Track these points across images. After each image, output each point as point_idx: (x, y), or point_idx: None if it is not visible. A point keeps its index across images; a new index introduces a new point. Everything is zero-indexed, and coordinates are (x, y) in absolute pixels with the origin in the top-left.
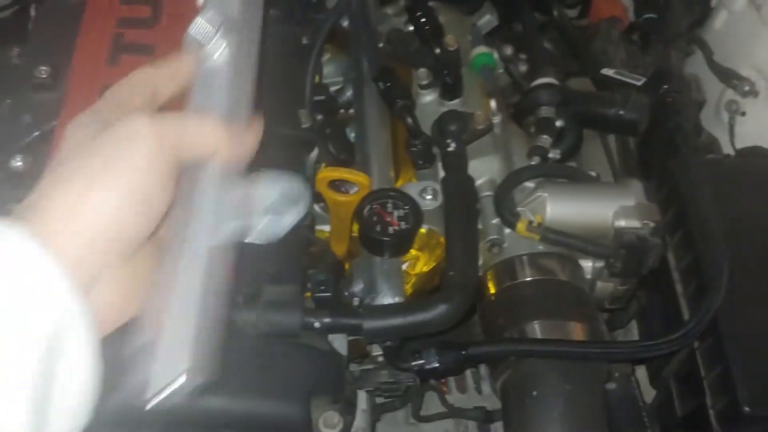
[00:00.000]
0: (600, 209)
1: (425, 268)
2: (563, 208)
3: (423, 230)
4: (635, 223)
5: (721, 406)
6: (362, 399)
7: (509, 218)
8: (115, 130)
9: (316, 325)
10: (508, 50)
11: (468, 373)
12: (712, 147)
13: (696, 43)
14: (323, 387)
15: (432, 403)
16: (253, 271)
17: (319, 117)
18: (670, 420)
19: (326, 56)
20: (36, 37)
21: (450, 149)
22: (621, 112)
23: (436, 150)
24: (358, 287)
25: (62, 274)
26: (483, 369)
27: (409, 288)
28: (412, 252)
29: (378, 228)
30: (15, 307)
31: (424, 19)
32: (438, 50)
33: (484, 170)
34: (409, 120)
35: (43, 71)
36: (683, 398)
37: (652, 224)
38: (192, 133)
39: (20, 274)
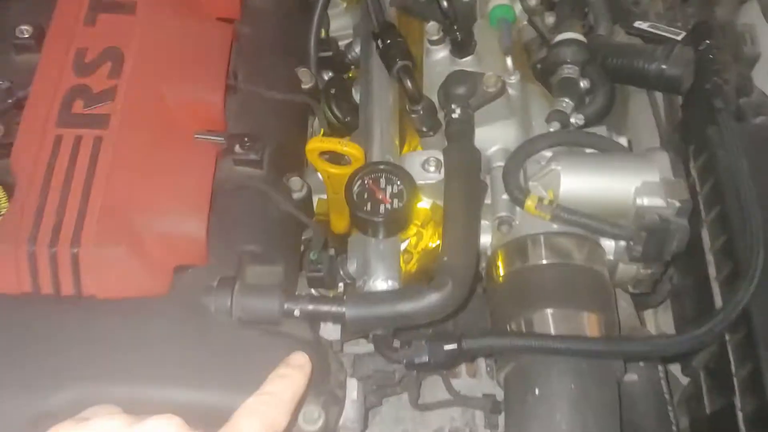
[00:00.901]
0: (620, 185)
1: (431, 243)
2: (578, 183)
3: (425, 207)
4: (659, 202)
5: (750, 409)
6: (354, 388)
7: (517, 195)
8: None
9: (296, 313)
10: (533, 1)
11: None
12: (762, 109)
13: None
14: None
15: (439, 388)
16: (233, 250)
17: (328, 75)
18: (698, 415)
19: (342, 6)
20: None
21: (454, 116)
22: (663, 67)
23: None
24: (352, 267)
25: None
26: None
27: (413, 265)
28: (414, 229)
29: (368, 207)
30: None
31: None
32: (446, 2)
33: (497, 137)
34: (408, 83)
35: (25, 31)
36: (712, 394)
37: (677, 203)
38: None
39: None
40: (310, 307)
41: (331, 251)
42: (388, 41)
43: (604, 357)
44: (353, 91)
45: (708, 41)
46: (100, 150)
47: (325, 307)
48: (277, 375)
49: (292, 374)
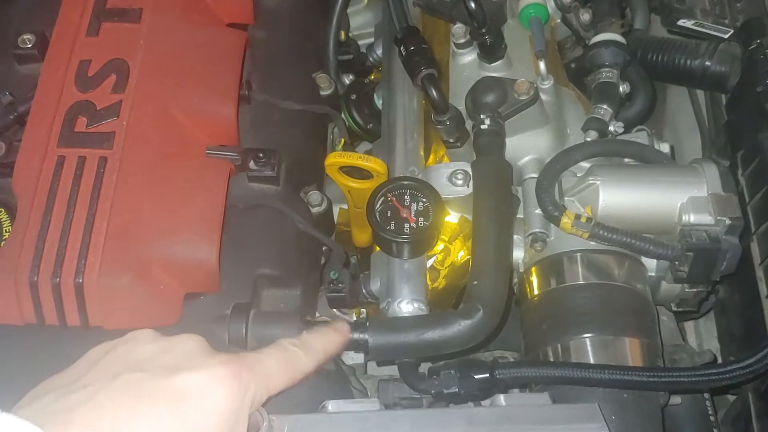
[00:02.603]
0: (664, 200)
1: (462, 259)
2: (619, 199)
3: (452, 222)
4: (707, 219)
5: None
6: None
7: (552, 212)
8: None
9: None
10: None
11: None
12: None
13: None
14: None
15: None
16: (247, 274)
17: (349, 78)
18: None
19: (363, 2)
20: None
21: (483, 126)
22: (707, 64)
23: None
24: (375, 286)
25: None
26: None
27: (441, 282)
28: (441, 243)
29: (391, 226)
30: None
31: None
32: (472, 3)
33: (529, 147)
34: (433, 93)
35: (27, 40)
36: (762, 418)
37: (727, 220)
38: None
39: None
40: None
41: (353, 267)
42: (412, 48)
43: (649, 389)
44: (375, 96)
45: (759, 40)
46: (104, 172)
47: None
48: (317, 330)
49: (330, 332)
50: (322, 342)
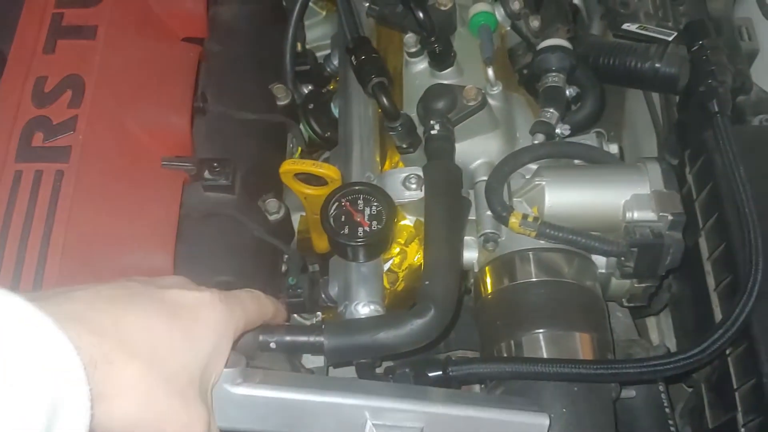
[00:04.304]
0: (608, 198)
1: (418, 261)
2: (564, 198)
3: (408, 225)
4: (650, 215)
5: (754, 425)
6: None
7: (500, 212)
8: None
9: (272, 345)
10: (516, 5)
11: None
12: (761, 107)
13: None
14: None
15: None
16: (203, 281)
17: (308, 88)
18: (701, 428)
19: (321, 15)
20: None
21: (433, 132)
22: (657, 66)
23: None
24: (334, 290)
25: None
26: None
27: (400, 285)
28: (397, 247)
29: (346, 231)
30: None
31: None
32: (421, 13)
33: (480, 151)
34: (384, 100)
35: None
36: (714, 408)
37: (670, 217)
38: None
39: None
40: (287, 338)
41: (312, 273)
42: (362, 57)
43: (596, 381)
44: (332, 105)
45: (701, 41)
46: (61, 185)
47: (302, 338)
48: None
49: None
50: (266, 297)
